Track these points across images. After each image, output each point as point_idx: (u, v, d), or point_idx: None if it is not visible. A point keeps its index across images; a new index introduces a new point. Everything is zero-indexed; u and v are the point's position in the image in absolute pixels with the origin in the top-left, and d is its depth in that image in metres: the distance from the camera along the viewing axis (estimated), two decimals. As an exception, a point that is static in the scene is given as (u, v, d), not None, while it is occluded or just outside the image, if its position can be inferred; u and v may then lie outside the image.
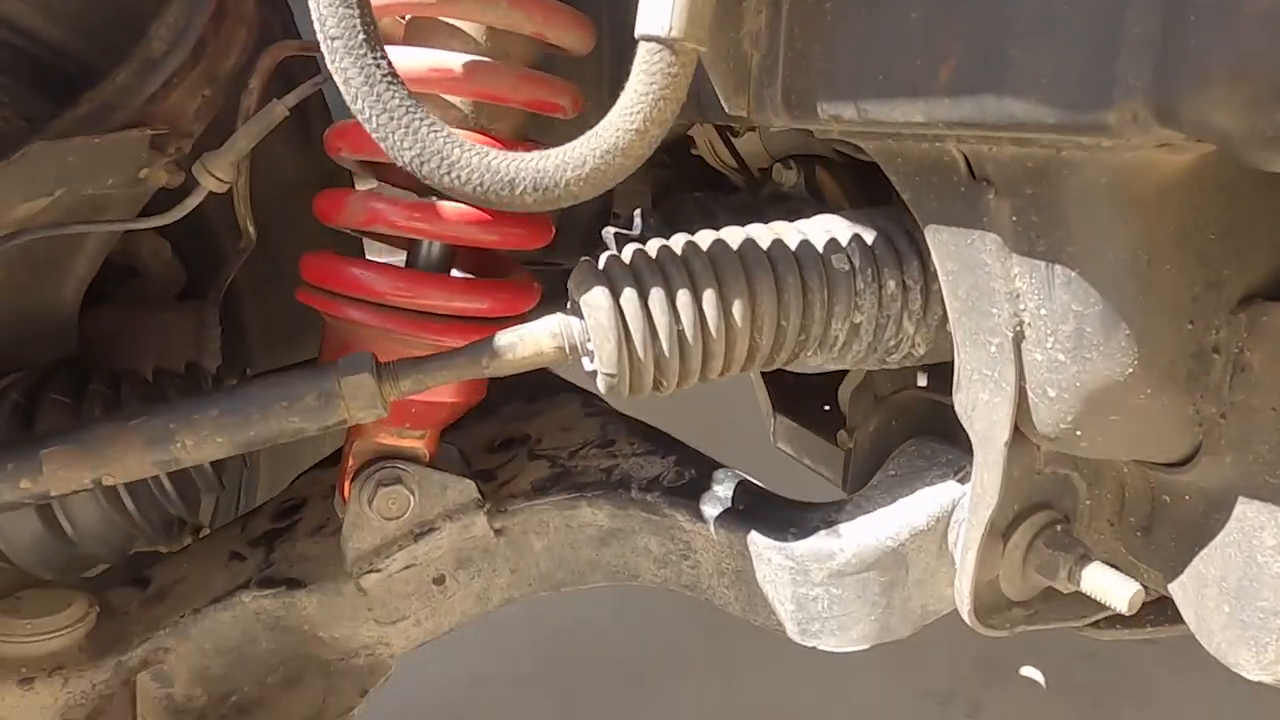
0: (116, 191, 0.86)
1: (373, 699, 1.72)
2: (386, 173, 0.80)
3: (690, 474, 0.89)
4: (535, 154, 0.60)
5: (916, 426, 0.87)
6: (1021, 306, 0.60)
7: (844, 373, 1.19)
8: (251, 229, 0.96)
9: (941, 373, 0.87)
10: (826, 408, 1.29)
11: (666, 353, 0.66)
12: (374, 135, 0.60)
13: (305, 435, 0.66)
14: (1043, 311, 0.58)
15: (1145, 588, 0.73)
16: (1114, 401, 0.59)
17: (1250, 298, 0.59)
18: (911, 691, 1.83)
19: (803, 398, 1.28)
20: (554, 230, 0.83)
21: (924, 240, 0.72)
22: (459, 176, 0.60)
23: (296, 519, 1.00)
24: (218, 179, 0.82)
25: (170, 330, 1.07)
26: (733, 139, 1.24)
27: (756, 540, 0.79)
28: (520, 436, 1.04)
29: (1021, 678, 1.88)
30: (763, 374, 1.32)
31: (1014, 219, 0.57)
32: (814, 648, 0.80)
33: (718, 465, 0.89)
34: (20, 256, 0.89)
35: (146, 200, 0.93)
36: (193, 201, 0.84)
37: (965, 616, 0.71)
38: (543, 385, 1.13)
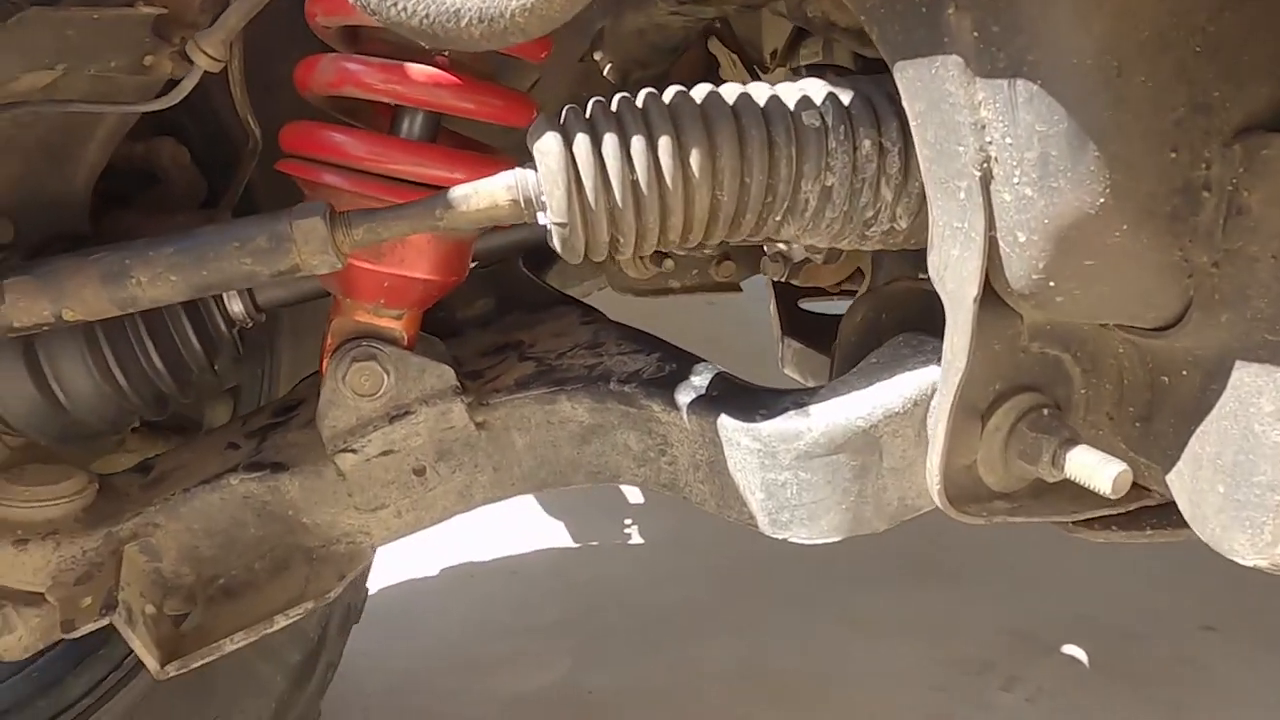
0: (122, 77, 0.88)
1: (396, 644, 1.76)
2: (364, 44, 0.80)
3: (670, 368, 0.86)
4: (482, -13, 0.59)
5: (911, 321, 0.82)
6: (988, 139, 0.55)
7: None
8: (254, 124, 0.97)
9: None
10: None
11: (620, 202, 0.64)
12: (327, -29, 0.60)
13: (258, 280, 0.66)
14: (1008, 140, 0.54)
15: (1148, 489, 0.67)
16: (1086, 241, 0.54)
17: (1249, 129, 0.53)
18: (944, 660, 1.75)
19: (815, 325, 1.23)
20: (536, 111, 0.82)
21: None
22: (405, 8, 0.59)
23: (293, 415, 1.01)
24: (210, 57, 0.83)
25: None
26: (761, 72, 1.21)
27: (726, 424, 0.76)
28: (514, 342, 1.03)
29: (1062, 654, 1.78)
30: (777, 300, 1.28)
31: (975, 34, 0.53)
32: (785, 538, 0.76)
33: (699, 360, 0.86)
34: (35, 141, 0.93)
35: (156, 91, 0.95)
36: (189, 84, 0.86)
37: (935, 498, 0.67)
38: (543, 298, 1.12)
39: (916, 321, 0.83)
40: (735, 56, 1.35)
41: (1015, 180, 0.55)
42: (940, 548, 2.15)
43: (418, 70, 0.73)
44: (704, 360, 0.87)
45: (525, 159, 0.84)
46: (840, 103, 0.68)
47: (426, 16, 0.59)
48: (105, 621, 0.82)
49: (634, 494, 2.51)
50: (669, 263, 1.39)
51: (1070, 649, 1.79)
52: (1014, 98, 0.52)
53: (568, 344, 0.99)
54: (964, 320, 0.61)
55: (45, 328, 0.66)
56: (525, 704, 1.65)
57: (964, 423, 0.65)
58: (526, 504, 2.33)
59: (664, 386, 0.84)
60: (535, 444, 0.92)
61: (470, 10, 0.59)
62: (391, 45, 0.77)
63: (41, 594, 0.87)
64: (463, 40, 0.60)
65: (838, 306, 1.41)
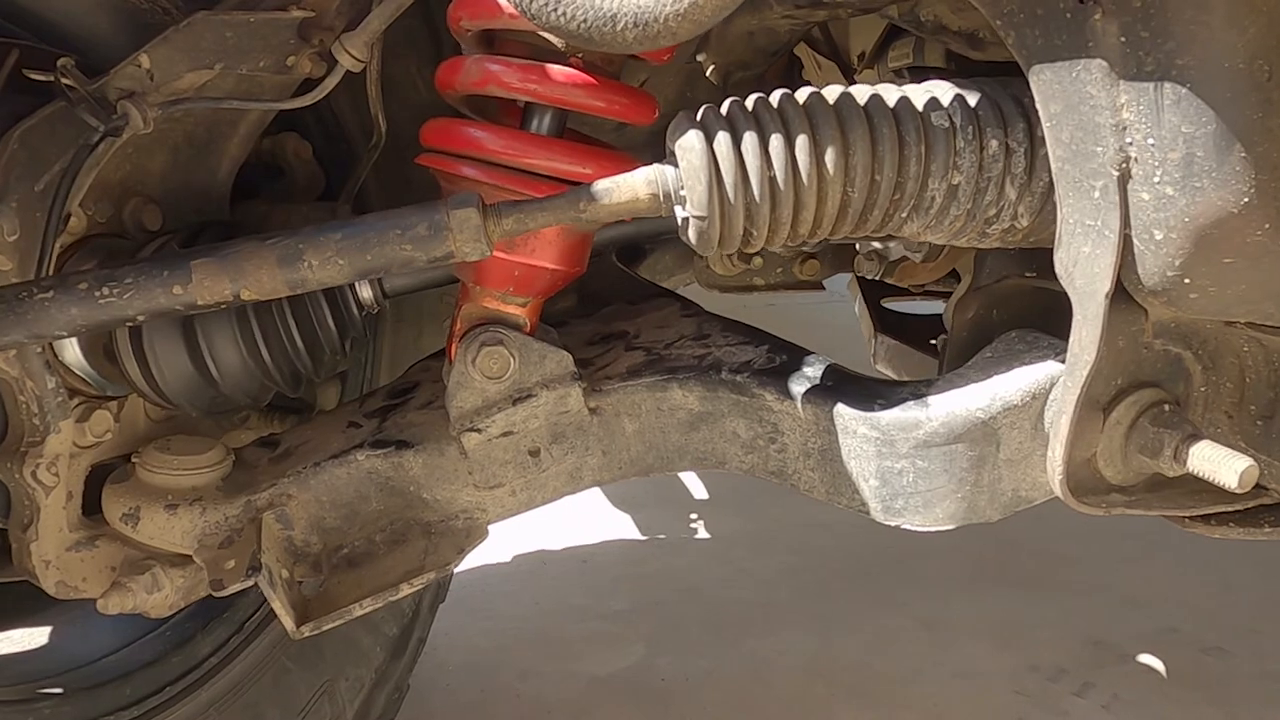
0: (265, 76, 0.95)
1: (475, 625, 1.81)
2: (504, 45, 0.85)
3: (781, 359, 0.89)
4: (637, -8, 0.63)
5: (1022, 318, 0.84)
6: (1128, 139, 0.57)
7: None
8: (382, 120, 1.03)
9: (1048, 261, 0.84)
10: (934, 342, 1.26)
11: (758, 198, 0.67)
12: (487, -22, 0.64)
13: (415, 265, 0.71)
14: (1150, 141, 0.56)
15: (1267, 487, 0.68)
16: (1227, 239, 0.56)
17: (1393, 133, 0.54)
18: (1018, 664, 1.74)
19: (905, 323, 1.25)
20: (657, 112, 0.86)
21: (1032, 104, 0.70)
22: (564, 14, 0.64)
23: (409, 397, 1.07)
24: (354, 57, 0.89)
25: (308, 222, 1.17)
26: (857, 71, 1.23)
27: (843, 412, 0.79)
28: (619, 332, 1.08)
29: (1139, 663, 1.76)
30: (864, 300, 1.30)
31: (1122, 39, 0.55)
32: (897, 525, 0.78)
33: (808, 352, 0.89)
34: (182, 135, 1.00)
35: (292, 90, 1.02)
36: (332, 81, 0.92)
37: (1056, 488, 0.69)
38: (644, 290, 1.16)
39: (1026, 318, 0.85)
40: (820, 58, 1.38)
41: (1156, 179, 0.57)
42: (1013, 553, 2.14)
43: (558, 71, 0.77)
44: (813, 352, 0.90)
45: (637, 153, 0.89)
46: (967, 104, 0.70)
47: (584, 21, 0.64)
48: (250, 582, 0.88)
49: (700, 490, 2.54)
50: (757, 260, 1.42)
51: (1148, 659, 1.77)
52: (1160, 100, 0.54)
53: (673, 335, 1.03)
54: (1094, 315, 0.63)
55: (222, 306, 0.72)
56: (603, 686, 1.69)
57: (1087, 417, 0.67)
58: (595, 496, 2.38)
59: (776, 376, 0.87)
60: (644, 430, 0.96)
61: (626, 15, 0.63)
62: (527, 47, 0.82)
63: (185, 556, 0.94)
64: (616, 43, 0.64)
65: (919, 306, 1.43)
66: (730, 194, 0.67)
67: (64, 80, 0.79)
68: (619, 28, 0.63)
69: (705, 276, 1.48)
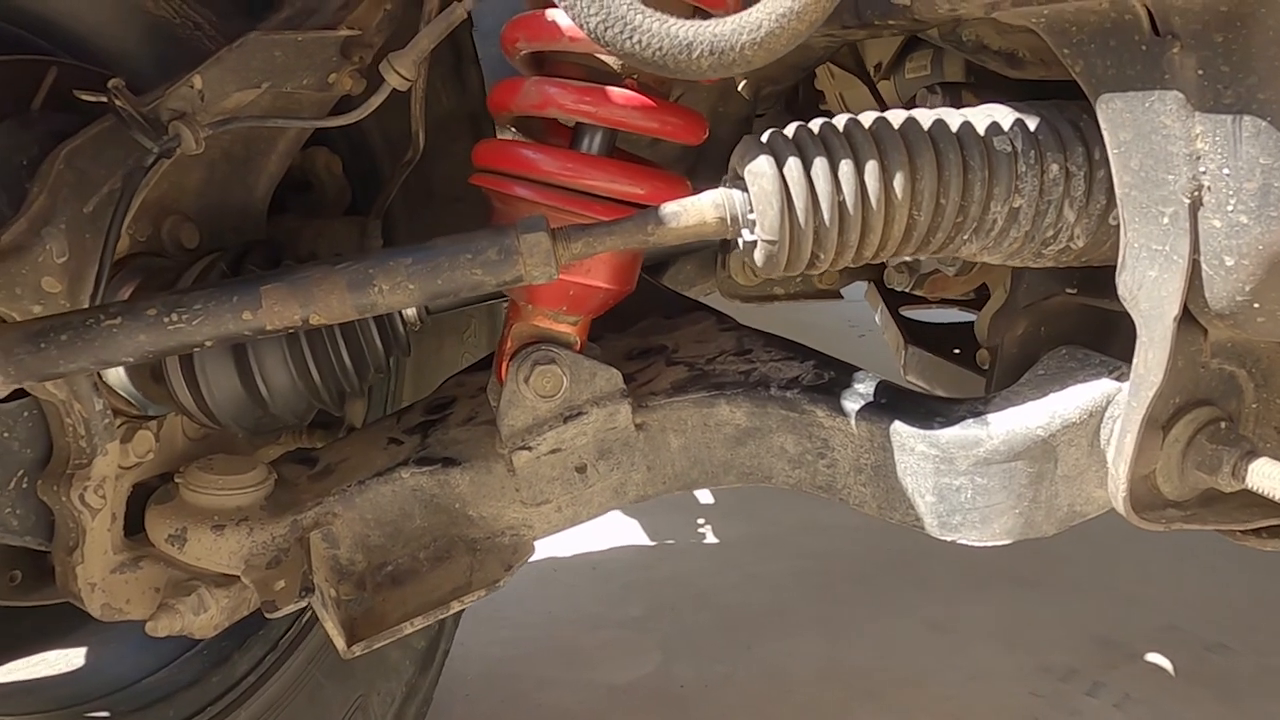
0: (305, 94, 0.95)
1: (489, 634, 1.81)
2: (556, 66, 0.85)
3: (829, 374, 0.90)
4: (711, 20, 0.63)
5: (1066, 334, 0.86)
6: (1201, 169, 0.59)
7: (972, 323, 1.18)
8: (422, 136, 1.03)
9: (1089, 277, 0.85)
10: (957, 350, 1.28)
11: (827, 222, 0.68)
12: (563, 5, 0.65)
13: (484, 290, 0.71)
14: (1225, 171, 0.58)
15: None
16: (1299, 266, 0.58)
17: None
18: (1029, 665, 1.77)
19: (933, 334, 1.27)
20: (706, 129, 0.87)
21: (1088, 128, 0.72)
22: (640, 41, 0.64)
23: (448, 413, 1.07)
24: (402, 76, 0.89)
25: (339, 238, 1.16)
26: (874, 81, 1.25)
27: (900, 430, 0.80)
28: (657, 347, 1.08)
29: (1147, 662, 1.80)
30: (890, 311, 1.32)
31: (1200, 72, 0.56)
32: (953, 540, 0.80)
33: (856, 368, 0.90)
34: (219, 152, 0.99)
35: (329, 107, 1.01)
36: (377, 99, 0.91)
37: (1119, 505, 0.70)
38: (677, 304, 1.17)
39: (1072, 335, 0.87)
40: (834, 69, 1.39)
41: (1230, 208, 0.58)
42: (1013, 554, 2.16)
43: (619, 93, 0.78)
44: (860, 368, 0.91)
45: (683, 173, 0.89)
46: (1028, 128, 0.72)
47: (660, 49, 0.64)
48: (304, 603, 0.88)
49: (705, 495, 2.55)
50: (781, 270, 1.43)
51: (1155, 657, 1.81)
52: (1238, 132, 0.56)
53: (713, 350, 1.04)
54: (1161, 338, 0.65)
55: (290, 331, 0.72)
56: (623, 694, 1.70)
57: (1148, 435, 0.69)
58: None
59: (827, 393, 0.88)
60: (689, 445, 0.97)
61: (702, 43, 0.64)
62: (581, 69, 0.82)
63: (230, 576, 0.94)
64: (690, 70, 0.65)
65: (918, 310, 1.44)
66: (801, 219, 0.68)
67: (116, 101, 0.79)
68: (694, 55, 0.64)
69: (727, 286, 1.49)
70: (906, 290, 1.20)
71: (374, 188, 1.25)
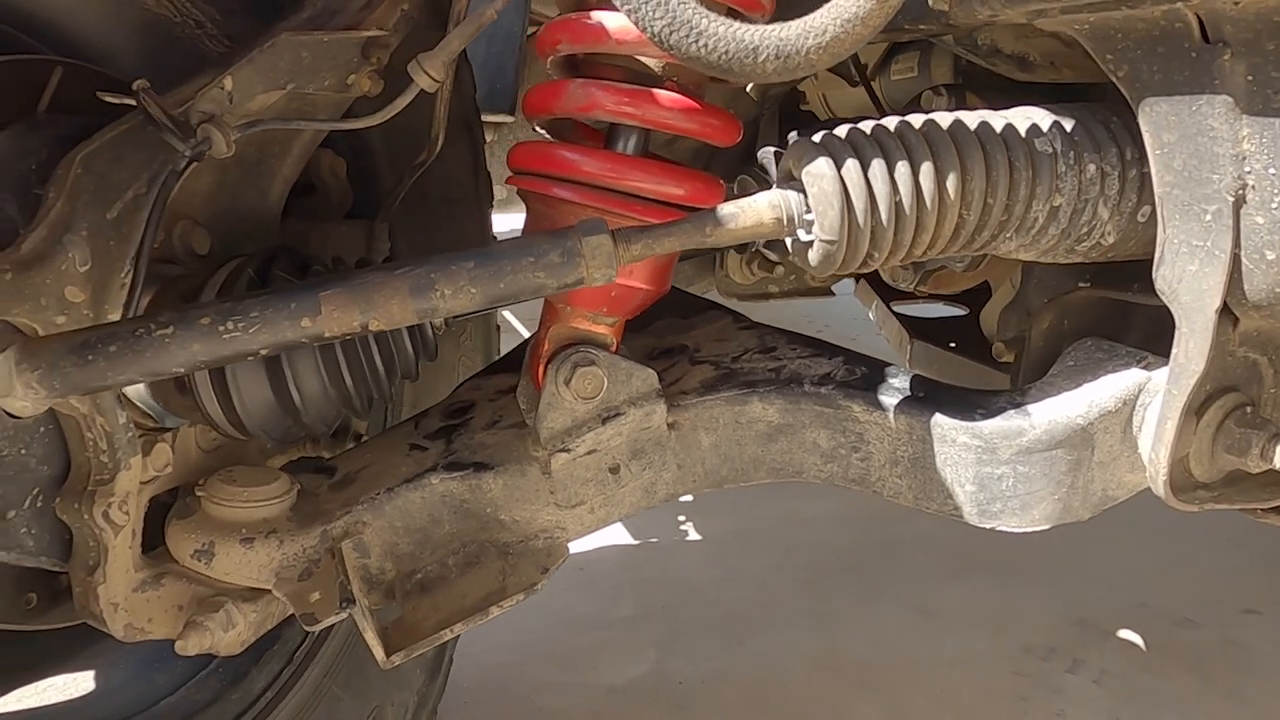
0: (324, 95, 0.92)
1: (481, 639, 1.79)
2: (594, 68, 0.85)
3: (861, 370, 0.92)
4: (776, 25, 0.65)
5: (1088, 327, 0.89)
6: (1247, 169, 0.62)
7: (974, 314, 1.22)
8: (442, 138, 1.01)
9: (1102, 272, 0.89)
10: (953, 345, 1.32)
11: (884, 222, 0.70)
12: (625, 9, 0.65)
13: (545, 293, 0.71)
14: (1271, 171, 0.61)
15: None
16: (1338, 259, 0.61)
17: None
18: (1011, 646, 1.84)
19: (933, 327, 1.31)
20: (740, 130, 0.88)
21: (1119, 130, 0.75)
22: (705, 45, 0.65)
23: (468, 417, 1.06)
24: (432, 78, 0.88)
25: (346, 242, 1.14)
26: (869, 83, 1.28)
27: (941, 423, 0.82)
28: (677, 346, 1.09)
29: (1120, 639, 1.88)
30: (890, 308, 1.35)
31: (1250, 78, 0.60)
32: (993, 527, 0.83)
33: (886, 363, 0.93)
34: (233, 158, 0.96)
35: (345, 108, 0.99)
36: (403, 100, 0.90)
37: (1159, 489, 0.74)
38: (691, 303, 1.18)
39: (1094, 327, 0.90)
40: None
41: (1274, 205, 0.62)
42: (987, 539, 2.23)
43: (664, 96, 0.78)
44: (889, 363, 0.93)
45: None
46: (1065, 130, 0.75)
47: (725, 53, 0.65)
48: (344, 615, 0.86)
49: (684, 492, 2.57)
50: (779, 269, 1.45)
51: (1128, 634, 1.89)
52: (1286, 134, 0.59)
53: (736, 348, 1.05)
54: (1202, 329, 0.68)
55: (348, 337, 0.70)
56: (623, 695, 1.70)
57: (1185, 420, 0.72)
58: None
59: (861, 388, 0.90)
60: (720, 442, 0.98)
61: (768, 48, 0.65)
62: (621, 71, 0.83)
63: (256, 590, 0.91)
64: (754, 74, 0.66)
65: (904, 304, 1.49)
66: (860, 219, 0.70)
67: (146, 104, 0.76)
68: (760, 59, 0.65)
69: (724, 284, 1.51)
70: (911, 288, 1.23)
71: (373, 190, 1.23)
